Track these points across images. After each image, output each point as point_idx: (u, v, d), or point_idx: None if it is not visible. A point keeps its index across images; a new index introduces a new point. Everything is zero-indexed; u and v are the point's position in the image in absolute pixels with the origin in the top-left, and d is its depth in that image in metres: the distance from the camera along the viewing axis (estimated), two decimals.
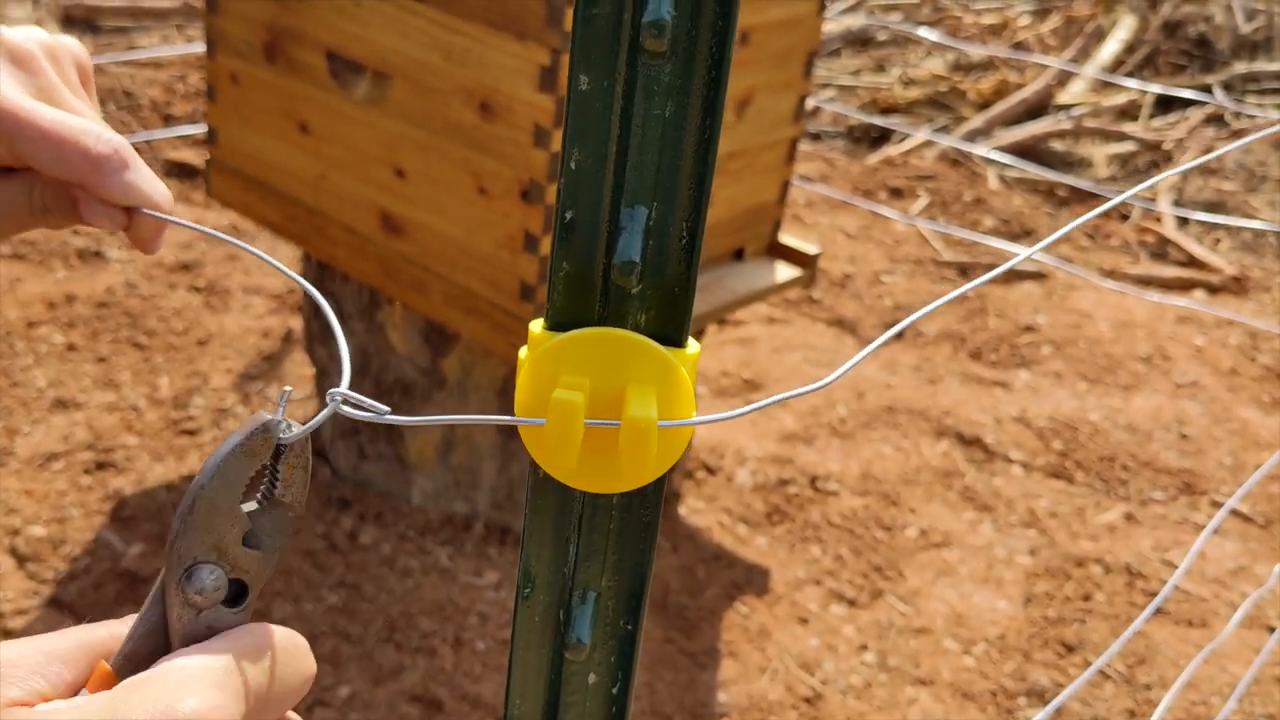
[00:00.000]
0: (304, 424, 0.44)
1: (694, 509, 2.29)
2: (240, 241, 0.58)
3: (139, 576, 1.94)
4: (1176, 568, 2.23)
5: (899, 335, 2.99)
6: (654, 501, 0.47)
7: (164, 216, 0.61)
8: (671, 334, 0.43)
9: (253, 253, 0.55)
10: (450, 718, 1.78)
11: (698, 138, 0.40)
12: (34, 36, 0.61)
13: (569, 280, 0.43)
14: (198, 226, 0.60)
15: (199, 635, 0.43)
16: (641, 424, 0.40)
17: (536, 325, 0.44)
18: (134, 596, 1.91)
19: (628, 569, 0.48)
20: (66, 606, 1.88)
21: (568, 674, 0.50)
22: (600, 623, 0.49)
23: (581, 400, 0.40)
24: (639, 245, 0.41)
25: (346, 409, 0.42)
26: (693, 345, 0.43)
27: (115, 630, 0.44)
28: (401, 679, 1.82)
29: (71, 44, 0.64)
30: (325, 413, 0.42)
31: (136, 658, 0.43)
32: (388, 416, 0.42)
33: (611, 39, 0.39)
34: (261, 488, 0.44)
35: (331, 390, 0.42)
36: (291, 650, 0.43)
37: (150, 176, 0.61)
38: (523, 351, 0.43)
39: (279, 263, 0.52)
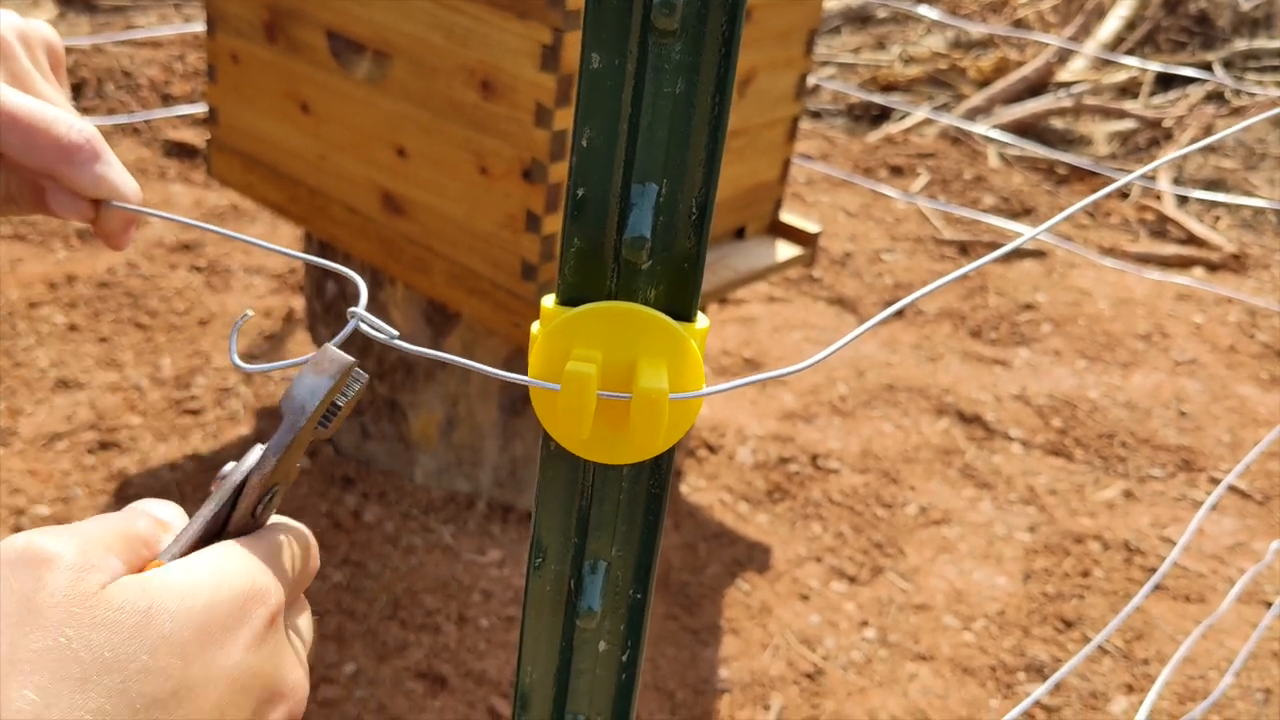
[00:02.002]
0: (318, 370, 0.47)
1: (695, 487, 2.30)
2: (211, 225, 0.59)
3: None
4: (1175, 544, 2.24)
5: (899, 314, 2.99)
6: (663, 473, 0.48)
7: (131, 207, 0.60)
8: (681, 309, 0.44)
9: (229, 234, 0.56)
10: (454, 694, 1.79)
11: (708, 115, 0.41)
12: (7, 22, 0.60)
13: (580, 256, 0.43)
14: (167, 215, 0.60)
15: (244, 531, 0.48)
16: (653, 395, 0.41)
17: (549, 300, 0.44)
18: None
19: (637, 539, 0.49)
20: None
21: (578, 642, 0.51)
22: (610, 592, 0.50)
23: (594, 371, 0.41)
24: (649, 221, 0.42)
25: (365, 327, 0.46)
26: (702, 320, 0.44)
27: (148, 519, 0.47)
28: (406, 655, 1.84)
29: (44, 29, 0.63)
30: (347, 329, 0.46)
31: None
32: (397, 341, 0.45)
33: (623, 17, 0.39)
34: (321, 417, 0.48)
35: (351, 309, 0.45)
36: (310, 542, 0.50)
37: (121, 170, 0.60)
38: (535, 326, 0.44)
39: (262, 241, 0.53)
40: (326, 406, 0.46)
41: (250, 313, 0.49)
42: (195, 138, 3.34)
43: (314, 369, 0.46)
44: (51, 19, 4.03)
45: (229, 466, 0.47)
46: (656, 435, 0.42)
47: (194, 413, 2.32)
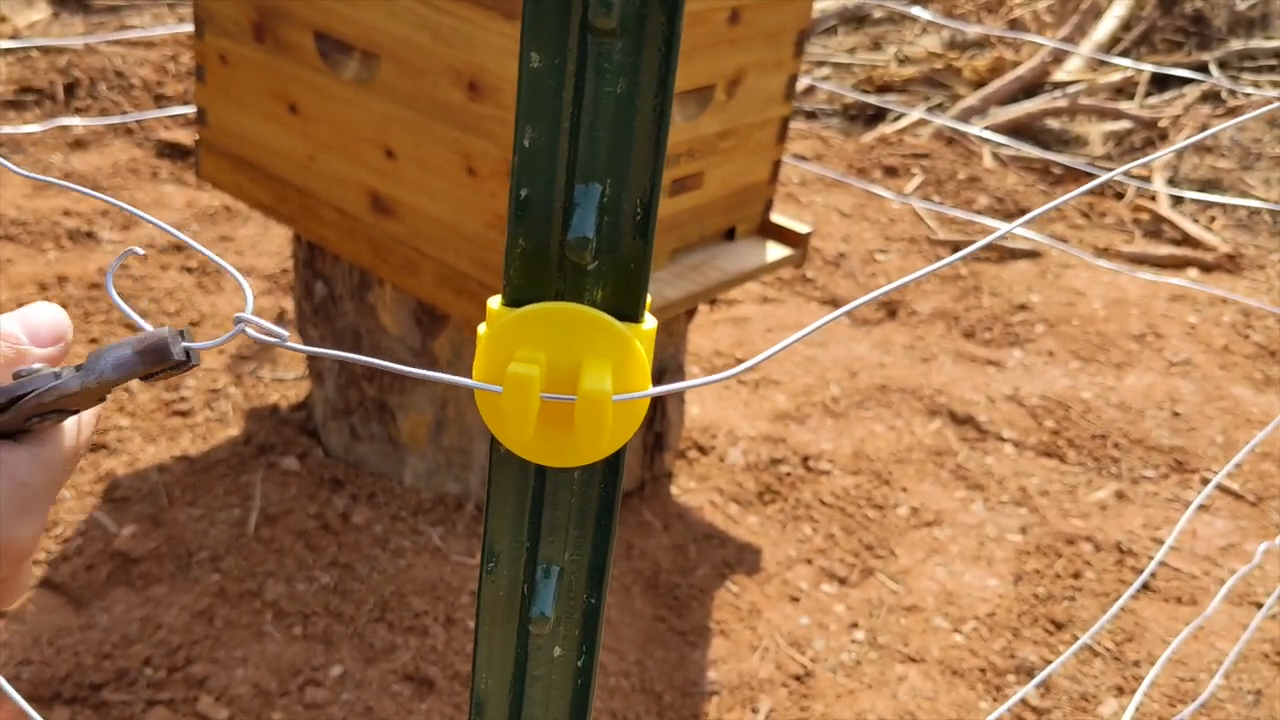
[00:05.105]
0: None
1: (685, 488, 2.30)
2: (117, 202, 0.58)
3: (131, 557, 1.94)
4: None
5: (892, 314, 2.99)
6: (614, 477, 0.47)
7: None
8: (627, 309, 0.43)
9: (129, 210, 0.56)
10: (442, 696, 1.79)
11: (651, 114, 0.41)
12: None
13: (525, 257, 0.43)
14: (19, 170, 0.59)
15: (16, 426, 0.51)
16: (596, 397, 0.40)
17: (494, 302, 0.44)
18: (126, 577, 1.91)
19: (590, 543, 0.48)
20: (59, 587, 1.89)
21: (533, 648, 0.51)
22: (564, 597, 0.49)
23: (537, 373, 0.40)
24: (593, 222, 0.41)
25: (251, 332, 0.46)
26: (649, 320, 0.44)
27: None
28: (393, 658, 1.83)
29: None
30: (229, 335, 0.47)
31: None
32: (289, 343, 0.45)
33: (561, 16, 0.39)
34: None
35: (237, 315, 0.45)
36: (61, 450, 0.52)
37: None
38: (481, 328, 0.44)
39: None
40: (120, 382, 0.49)
41: (140, 250, 0.52)
42: (188, 138, 3.34)
43: (136, 345, 0.49)
44: (45, 19, 4.03)
45: (24, 373, 0.50)
46: (600, 437, 0.41)
47: (183, 414, 2.31)
